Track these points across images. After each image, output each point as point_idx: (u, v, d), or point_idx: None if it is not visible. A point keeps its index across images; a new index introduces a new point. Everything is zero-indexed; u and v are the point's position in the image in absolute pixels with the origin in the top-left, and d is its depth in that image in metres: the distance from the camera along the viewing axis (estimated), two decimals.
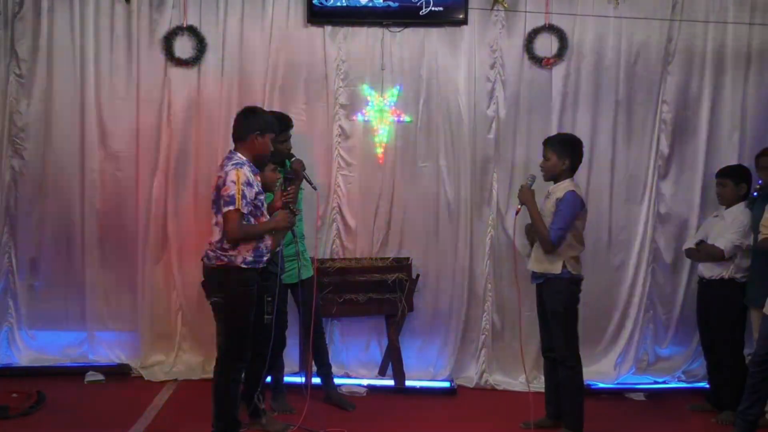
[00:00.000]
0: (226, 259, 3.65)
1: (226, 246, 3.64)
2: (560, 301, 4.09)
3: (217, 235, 3.68)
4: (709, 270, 4.58)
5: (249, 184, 3.63)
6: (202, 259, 3.80)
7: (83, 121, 5.01)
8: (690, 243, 4.78)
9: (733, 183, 4.57)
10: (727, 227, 4.51)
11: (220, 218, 3.64)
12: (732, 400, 4.53)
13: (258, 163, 3.80)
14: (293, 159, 4.27)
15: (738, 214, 4.53)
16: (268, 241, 3.78)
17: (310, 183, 4.27)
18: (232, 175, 3.58)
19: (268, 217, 3.82)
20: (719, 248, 4.47)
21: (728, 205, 4.59)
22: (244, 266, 3.66)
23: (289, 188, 3.92)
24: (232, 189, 3.56)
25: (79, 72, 4.99)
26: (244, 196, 3.58)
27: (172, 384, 4.94)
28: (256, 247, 3.69)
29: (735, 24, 4.97)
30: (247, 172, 3.64)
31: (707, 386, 4.83)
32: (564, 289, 4.09)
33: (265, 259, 3.76)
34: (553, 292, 4.11)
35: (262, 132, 3.73)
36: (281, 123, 4.17)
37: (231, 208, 3.56)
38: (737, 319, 4.56)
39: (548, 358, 4.28)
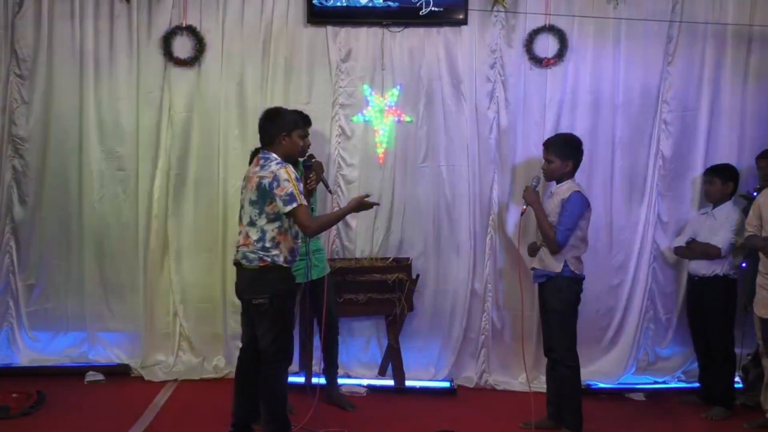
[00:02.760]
0: (269, 260, 3.67)
1: (268, 245, 3.66)
2: (561, 300, 4.10)
3: (255, 235, 3.68)
4: (704, 268, 4.63)
5: (298, 179, 3.69)
6: (238, 263, 3.76)
7: (83, 121, 5.01)
8: (680, 241, 4.84)
9: (720, 181, 4.65)
10: (721, 225, 4.58)
11: (261, 219, 3.66)
12: (724, 396, 4.57)
13: (289, 162, 3.84)
14: (313, 161, 4.34)
15: (730, 212, 4.62)
16: (299, 241, 3.84)
17: (326, 185, 4.37)
18: (284, 174, 3.62)
19: None
20: (716, 246, 4.52)
21: (716, 203, 4.67)
22: (285, 265, 3.71)
23: (311, 175, 3.99)
24: (288, 187, 3.59)
25: (79, 72, 4.99)
26: (301, 192, 3.64)
27: (172, 384, 4.94)
28: (292, 248, 3.74)
29: (735, 25, 4.97)
30: (292, 169, 3.70)
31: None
32: (565, 287, 4.10)
33: (297, 259, 3.83)
34: (555, 290, 4.12)
35: (288, 132, 3.78)
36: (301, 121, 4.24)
37: (295, 204, 3.59)
38: (729, 315, 4.63)
39: (550, 358, 4.27)
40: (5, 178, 5.03)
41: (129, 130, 5.04)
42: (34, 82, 4.99)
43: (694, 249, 4.69)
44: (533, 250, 4.31)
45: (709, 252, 4.57)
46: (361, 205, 3.89)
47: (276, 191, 3.61)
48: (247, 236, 3.72)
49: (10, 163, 5.04)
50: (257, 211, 3.69)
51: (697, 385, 4.92)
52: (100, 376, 4.99)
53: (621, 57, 5.01)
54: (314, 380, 4.63)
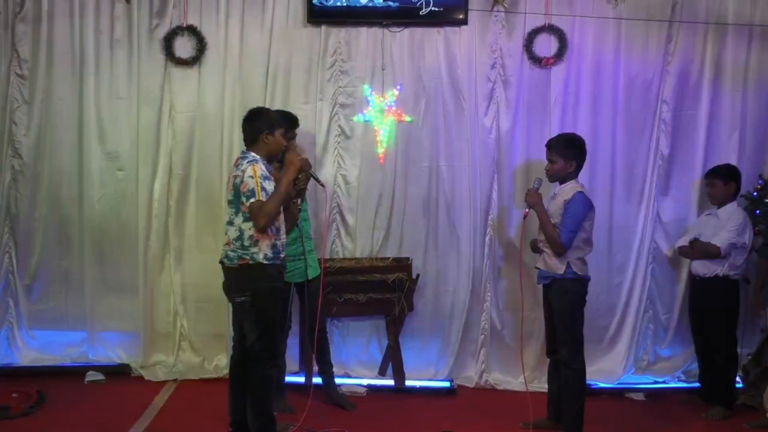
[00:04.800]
0: (248, 257, 3.70)
1: (246, 243, 3.70)
2: (566, 302, 4.09)
3: (234, 234, 3.73)
4: (704, 268, 4.63)
5: (266, 177, 3.71)
6: (221, 261, 3.82)
7: (84, 121, 5.02)
8: (683, 241, 4.84)
9: (722, 182, 4.65)
10: (723, 225, 4.58)
11: (238, 218, 3.71)
12: (724, 395, 4.57)
13: (273, 159, 3.89)
14: (300, 158, 4.30)
15: (733, 212, 4.61)
16: (283, 238, 3.84)
17: (318, 180, 4.31)
18: (249, 171, 3.66)
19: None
20: (716, 245, 4.52)
21: (720, 204, 4.66)
22: (266, 262, 3.72)
23: (300, 175, 3.99)
24: (251, 183, 3.64)
25: (79, 72, 4.99)
26: (263, 189, 3.65)
27: (172, 384, 4.94)
28: (273, 244, 3.75)
29: (735, 25, 4.97)
30: (263, 166, 3.72)
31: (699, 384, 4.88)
32: (570, 289, 4.08)
33: (282, 255, 3.82)
34: (560, 292, 4.10)
35: (270, 130, 3.81)
36: (288, 121, 4.27)
37: (253, 200, 3.63)
38: (731, 316, 4.63)
39: (553, 359, 4.27)
40: (5, 178, 5.04)
41: (129, 130, 5.04)
42: (35, 82, 5.00)
43: (695, 249, 4.69)
44: (535, 246, 4.30)
45: (709, 251, 4.57)
46: (298, 165, 3.84)
47: (241, 188, 3.66)
48: (228, 235, 3.77)
49: (10, 163, 5.04)
50: (233, 210, 3.75)
51: (697, 385, 4.93)
52: (100, 376, 4.99)
53: (621, 57, 5.01)
54: (313, 380, 4.64)
